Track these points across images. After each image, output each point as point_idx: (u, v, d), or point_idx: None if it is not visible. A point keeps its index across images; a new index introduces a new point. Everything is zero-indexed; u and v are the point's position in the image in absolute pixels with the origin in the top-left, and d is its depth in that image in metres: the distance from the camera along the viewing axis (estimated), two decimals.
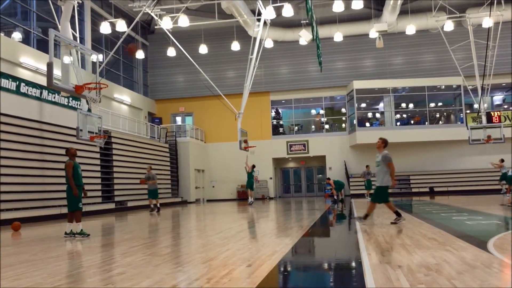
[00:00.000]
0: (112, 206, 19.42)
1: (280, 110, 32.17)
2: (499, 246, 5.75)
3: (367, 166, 21.81)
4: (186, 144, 27.79)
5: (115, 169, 20.82)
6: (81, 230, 8.94)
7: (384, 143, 9.51)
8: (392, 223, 9.08)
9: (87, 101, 13.92)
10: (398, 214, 9.21)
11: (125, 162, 21.64)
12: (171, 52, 24.81)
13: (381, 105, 29.87)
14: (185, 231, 10.50)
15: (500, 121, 25.42)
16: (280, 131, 31.55)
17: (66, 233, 8.99)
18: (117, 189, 20.68)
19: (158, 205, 17.99)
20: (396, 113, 29.12)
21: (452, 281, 3.90)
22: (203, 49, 25.12)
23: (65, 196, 9.13)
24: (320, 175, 31.65)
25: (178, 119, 31.36)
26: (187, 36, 26.93)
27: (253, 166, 22.77)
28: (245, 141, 23.27)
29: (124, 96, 26.78)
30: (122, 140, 21.84)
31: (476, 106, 25.73)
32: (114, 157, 20.96)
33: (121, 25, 20.05)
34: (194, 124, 30.25)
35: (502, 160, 21.06)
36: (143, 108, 29.27)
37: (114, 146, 21.04)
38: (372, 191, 21.06)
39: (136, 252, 6.58)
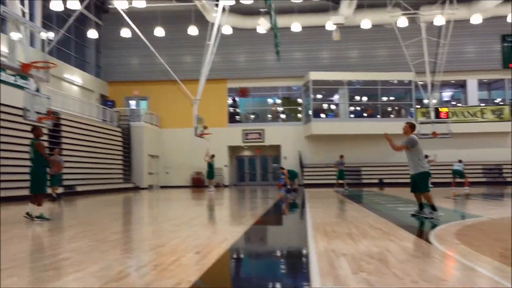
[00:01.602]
0: (60, 190, 18.82)
1: (237, 98, 32.12)
2: (440, 237, 6.01)
3: (341, 156, 21.94)
4: (140, 129, 27.28)
5: (64, 152, 20.17)
6: (41, 213, 8.66)
7: (411, 127, 8.56)
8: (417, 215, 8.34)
9: (35, 81, 13.39)
10: (434, 208, 8.09)
11: (75, 146, 21.02)
12: (125, 33, 24.19)
13: (336, 97, 30.39)
14: (135, 217, 10.37)
15: (447, 117, 26.45)
16: (237, 119, 31.54)
17: (36, 217, 8.59)
18: (66, 172, 20.05)
19: (55, 194, 15.24)
20: (350, 105, 29.71)
21: (393, 269, 4.05)
22: (159, 32, 24.65)
23: (28, 178, 8.77)
24: (275, 164, 31.94)
25: (132, 103, 30.69)
26: (143, 17, 26.31)
27: (213, 156, 22.80)
28: (205, 127, 23.25)
29: (75, 77, 25.90)
30: (72, 123, 21.17)
31: (425, 101, 26.66)
32: (63, 140, 20.31)
33: (74, 3, 19.33)
34: (149, 109, 29.71)
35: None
36: (95, 90, 28.42)
37: (63, 128, 20.37)
38: (342, 181, 21.51)
39: (84, 238, 6.44)
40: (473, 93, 29.86)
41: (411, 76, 27.10)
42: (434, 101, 26.50)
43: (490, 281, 3.74)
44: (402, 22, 25.00)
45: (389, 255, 4.75)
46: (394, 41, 26.31)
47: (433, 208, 8.02)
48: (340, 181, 21.42)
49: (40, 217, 8.59)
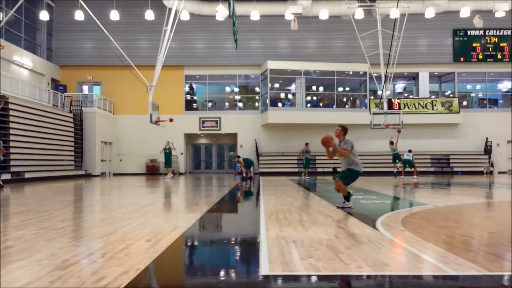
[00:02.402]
0: (7, 177, 18.13)
1: (194, 86, 31.80)
2: (386, 224, 6.21)
3: (306, 144, 22.15)
4: (92, 114, 26.57)
5: (12, 137, 19.41)
6: None
7: (344, 130, 8.22)
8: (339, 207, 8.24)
9: None
10: (348, 199, 8.19)
11: (24, 131, 20.25)
12: (79, 15, 23.38)
13: (293, 87, 30.65)
14: (85, 205, 10.12)
15: (399, 108, 27.23)
16: (193, 106, 31.27)
17: None
18: (13, 159, 19.33)
19: None
20: (306, 95, 30.05)
21: (340, 255, 4.16)
22: (114, 15, 24.00)
23: None
24: (231, 152, 31.95)
25: (85, 88, 29.81)
26: (98, 0, 25.49)
27: (168, 143, 22.63)
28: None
29: (24, 59, 24.86)
30: (21, 107, 20.39)
31: (379, 92, 27.33)
32: (11, 125, 19.52)
33: None
34: (102, 94, 28.95)
35: (392, 143, 22.36)
36: (46, 73, 27.41)
37: (11, 113, 19.57)
38: (308, 170, 21.92)
39: (29, 226, 6.23)
40: (425, 85, 30.87)
41: (366, 67, 27.68)
42: (387, 92, 27.21)
43: (432, 267, 3.90)
44: (359, 14, 25.43)
45: (337, 241, 4.87)
46: (350, 32, 26.76)
47: (347, 199, 8.17)
48: (306, 170, 21.96)
49: None
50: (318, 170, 28.15)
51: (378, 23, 25.75)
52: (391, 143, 22.01)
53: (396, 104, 27.12)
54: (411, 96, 31.91)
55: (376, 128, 25.77)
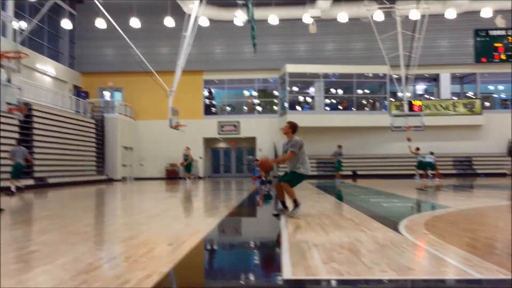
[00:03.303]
0: (31, 182, 18.48)
1: (212, 90, 31.97)
2: (409, 227, 6.13)
3: (339, 146, 21.97)
4: (114, 120, 26.92)
5: (35, 143, 19.78)
6: None
7: (292, 128, 7.60)
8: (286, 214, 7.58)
9: (6, 71, 13.07)
10: (297, 204, 7.59)
11: (47, 137, 20.61)
12: (100, 23, 23.74)
13: (311, 90, 30.55)
14: (107, 209, 10.25)
15: (421, 110, 26.88)
16: (212, 111, 31.42)
17: None
18: (37, 164, 19.68)
19: (13, 187, 14.52)
20: (325, 98, 29.92)
21: (363, 259, 4.11)
22: (135, 22, 24.28)
23: None
24: (250, 156, 31.98)
25: (106, 94, 30.24)
26: (119, 8, 25.91)
27: (187, 149, 22.60)
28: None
29: (47, 67, 25.35)
30: (44, 114, 20.76)
31: (399, 94, 27.04)
32: (35, 131, 19.89)
33: None
34: (123, 100, 29.33)
35: (418, 149, 22.39)
36: (69, 80, 27.90)
37: (35, 119, 19.95)
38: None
39: (53, 230, 6.33)
40: (446, 87, 30.46)
41: (386, 69, 27.43)
42: (408, 94, 26.91)
43: (457, 271, 3.84)
44: (378, 16, 25.24)
45: (360, 245, 4.82)
46: (370, 34, 26.56)
47: (296, 203, 7.51)
48: (339, 173, 21.69)
49: None
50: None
51: (398, 25, 25.51)
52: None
53: (417, 106, 26.77)
54: (432, 98, 31.49)
55: (397, 131, 25.49)
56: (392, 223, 6.55)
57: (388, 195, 12.46)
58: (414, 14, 24.36)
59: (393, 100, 29.33)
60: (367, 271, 3.71)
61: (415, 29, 24.94)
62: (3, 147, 16.25)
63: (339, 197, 12.16)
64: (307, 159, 7.60)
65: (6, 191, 14.11)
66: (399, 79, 26.19)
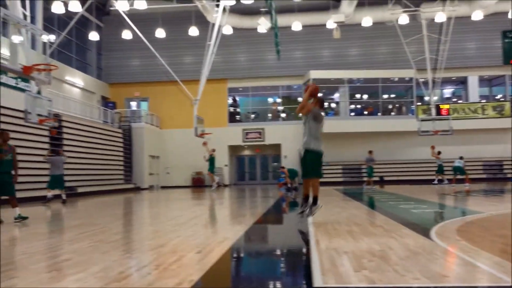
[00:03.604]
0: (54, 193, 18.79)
1: (237, 98, 32.12)
2: (440, 233, 6.00)
3: (370, 152, 21.65)
4: (140, 129, 27.30)
5: (65, 153, 20.16)
6: (19, 214, 8.79)
7: (319, 102, 7.94)
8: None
9: (36, 83, 13.43)
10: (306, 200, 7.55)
11: (76, 147, 21.03)
12: (127, 35, 24.19)
13: (336, 95, 30.37)
14: (136, 218, 10.37)
15: (448, 114, 26.41)
16: (237, 118, 31.55)
17: (15, 218, 8.72)
18: (67, 174, 20.04)
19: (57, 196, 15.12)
20: (350, 103, 29.69)
21: (395, 266, 4.04)
22: (160, 33, 24.64)
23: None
24: (275, 163, 31.92)
25: (133, 104, 30.73)
26: (144, 19, 26.32)
27: (213, 150, 22.59)
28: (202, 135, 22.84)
29: (76, 79, 25.94)
30: (74, 124, 21.20)
31: (426, 98, 26.61)
32: (65, 142, 20.33)
33: (75, 5, 19.34)
34: (149, 110, 29.74)
35: (439, 153, 22.01)
36: (96, 91, 28.48)
37: (64, 130, 20.39)
38: (368, 179, 21.30)
39: (84, 239, 6.43)
40: (474, 90, 29.84)
41: (412, 73, 27.07)
42: (435, 98, 26.48)
43: (491, 277, 3.74)
44: (403, 19, 24.95)
45: (391, 252, 4.74)
46: (395, 38, 26.29)
47: (315, 201, 7.45)
48: (371, 179, 21.26)
49: (19, 217, 8.71)
50: (365, 179, 27.57)
51: (424, 28, 25.16)
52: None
53: (445, 110, 26.29)
54: (460, 101, 30.89)
55: (424, 135, 25.09)
56: (423, 230, 6.42)
57: (417, 200, 12.24)
58: (440, 17, 23.99)
59: (420, 104, 28.88)
60: (399, 278, 3.64)
61: (441, 32, 24.55)
62: (35, 158, 16.64)
63: (367, 204, 12.01)
64: (321, 137, 7.76)
65: (58, 199, 14.68)
66: (425, 83, 25.80)
